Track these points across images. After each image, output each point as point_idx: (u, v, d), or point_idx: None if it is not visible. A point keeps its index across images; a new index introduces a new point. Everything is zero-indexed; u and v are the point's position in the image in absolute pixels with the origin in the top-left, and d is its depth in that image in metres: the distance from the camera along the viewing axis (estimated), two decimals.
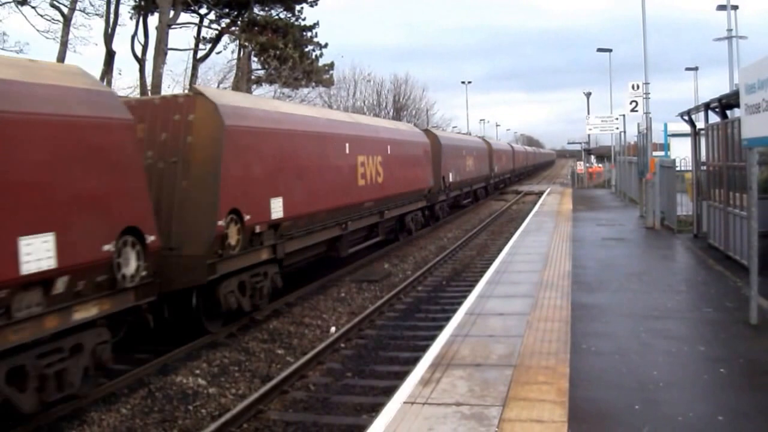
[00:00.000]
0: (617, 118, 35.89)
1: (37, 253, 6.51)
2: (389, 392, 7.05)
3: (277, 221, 11.54)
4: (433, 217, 24.96)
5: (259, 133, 11.13)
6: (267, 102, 14.15)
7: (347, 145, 15.37)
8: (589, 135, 45.95)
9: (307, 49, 33.26)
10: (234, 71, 30.82)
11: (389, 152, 18.60)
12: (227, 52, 32.75)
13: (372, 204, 17.03)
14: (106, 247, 7.47)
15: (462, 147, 31.53)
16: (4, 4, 25.07)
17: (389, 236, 19.76)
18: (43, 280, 6.68)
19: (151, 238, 8.22)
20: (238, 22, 31.75)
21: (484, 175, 37.50)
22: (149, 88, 25.68)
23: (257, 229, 10.91)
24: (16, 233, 6.31)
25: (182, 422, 7.51)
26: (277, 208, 11.48)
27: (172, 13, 26.55)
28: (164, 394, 8.18)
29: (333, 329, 11.28)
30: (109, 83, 24.72)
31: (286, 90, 31.88)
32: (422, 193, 22.43)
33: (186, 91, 12.48)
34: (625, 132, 35.82)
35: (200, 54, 31.38)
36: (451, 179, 27.25)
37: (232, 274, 10.25)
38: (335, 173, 14.54)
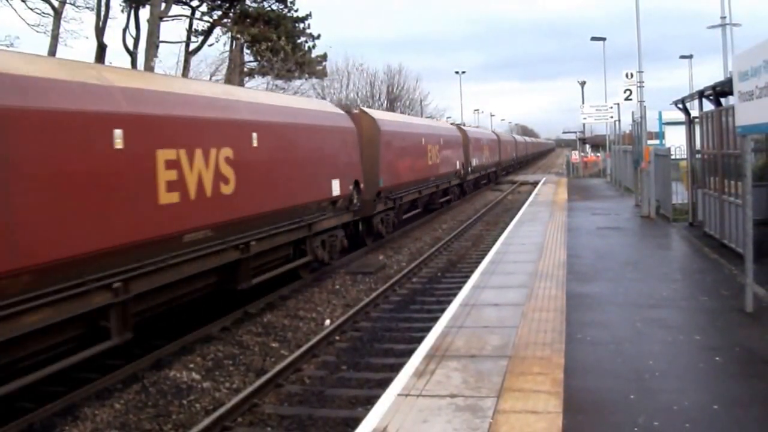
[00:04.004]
0: (612, 107, 35.81)
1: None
2: (384, 384, 7.01)
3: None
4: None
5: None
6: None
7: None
8: (584, 124, 45.97)
9: (299, 41, 33.06)
10: (226, 63, 30.66)
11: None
12: (219, 44, 32.60)
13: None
14: None
15: (508, 141, 50.83)
16: None
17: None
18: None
19: None
20: (230, 14, 31.54)
21: (512, 158, 56.86)
22: None
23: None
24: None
25: (176, 417, 7.46)
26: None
27: (163, 5, 26.31)
28: (158, 389, 8.13)
29: (328, 322, 11.24)
30: None
31: (279, 82, 31.73)
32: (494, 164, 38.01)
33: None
34: (619, 121, 35.77)
35: (192, 46, 31.21)
36: (502, 157, 44.11)
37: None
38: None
